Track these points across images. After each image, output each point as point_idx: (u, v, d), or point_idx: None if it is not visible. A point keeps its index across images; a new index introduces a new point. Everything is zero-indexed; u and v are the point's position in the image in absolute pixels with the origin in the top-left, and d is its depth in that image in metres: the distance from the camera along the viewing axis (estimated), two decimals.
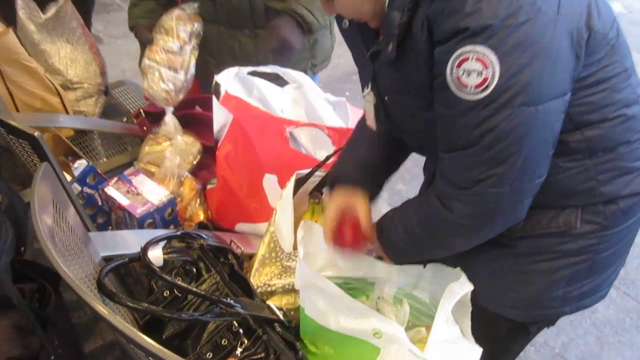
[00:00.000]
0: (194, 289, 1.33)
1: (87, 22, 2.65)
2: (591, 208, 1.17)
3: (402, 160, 1.47)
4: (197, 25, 2.03)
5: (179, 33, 1.97)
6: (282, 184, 1.77)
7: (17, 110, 2.16)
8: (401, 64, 1.09)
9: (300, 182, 1.58)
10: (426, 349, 1.24)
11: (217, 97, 1.76)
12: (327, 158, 1.57)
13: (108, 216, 1.79)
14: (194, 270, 1.44)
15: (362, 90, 1.29)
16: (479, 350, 1.30)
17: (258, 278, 1.48)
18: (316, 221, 1.53)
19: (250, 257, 1.61)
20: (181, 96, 2.04)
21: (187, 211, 1.86)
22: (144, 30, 2.05)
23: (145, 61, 2.00)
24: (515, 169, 1.03)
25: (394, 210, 1.32)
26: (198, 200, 1.89)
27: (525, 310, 1.29)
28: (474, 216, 1.11)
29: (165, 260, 1.41)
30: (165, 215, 1.67)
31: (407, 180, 3.06)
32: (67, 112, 2.26)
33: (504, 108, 0.97)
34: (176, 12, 2.01)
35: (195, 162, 2.00)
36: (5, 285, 1.33)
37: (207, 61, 2.11)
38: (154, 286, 1.43)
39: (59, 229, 1.20)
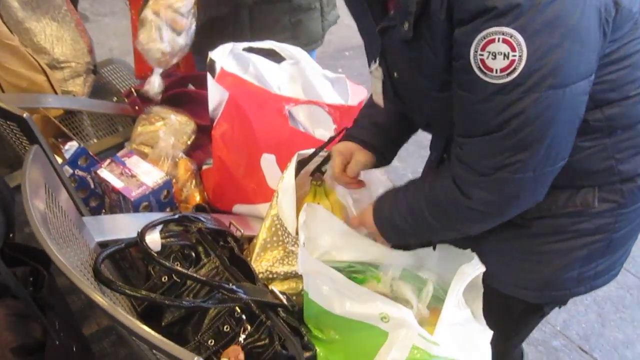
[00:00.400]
0: (195, 275, 1.29)
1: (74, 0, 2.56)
2: (609, 187, 1.14)
3: (413, 132, 1.43)
4: None
5: None
6: (280, 164, 1.72)
7: (3, 91, 2.08)
8: (416, 44, 1.03)
9: (302, 163, 1.52)
10: (436, 332, 1.21)
11: (212, 75, 1.70)
12: (331, 139, 1.52)
13: (101, 199, 1.74)
14: (193, 254, 1.39)
15: (369, 65, 1.24)
16: (489, 333, 1.27)
17: (260, 263, 1.43)
18: (318, 203, 1.48)
19: (249, 239, 1.57)
20: (175, 60, 1.94)
21: (183, 193, 1.81)
22: None
23: (148, 12, 1.86)
24: (540, 154, 0.99)
25: (396, 192, 1.28)
26: (194, 182, 1.84)
27: (540, 291, 1.25)
28: (494, 203, 1.07)
29: (162, 245, 1.37)
30: (161, 198, 1.62)
31: (403, 157, 3.00)
32: (55, 92, 2.19)
33: (531, 92, 0.93)
34: None
35: (189, 142, 1.94)
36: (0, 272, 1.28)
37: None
38: (152, 271, 1.38)
39: (52, 215, 1.15)
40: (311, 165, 1.55)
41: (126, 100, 2.17)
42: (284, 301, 1.29)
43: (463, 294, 1.26)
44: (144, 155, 1.82)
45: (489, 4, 0.89)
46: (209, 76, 1.72)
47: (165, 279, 1.36)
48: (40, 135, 1.36)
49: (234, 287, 1.23)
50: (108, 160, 1.66)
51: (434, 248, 1.37)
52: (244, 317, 1.25)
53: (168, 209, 1.66)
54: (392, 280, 1.41)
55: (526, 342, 1.71)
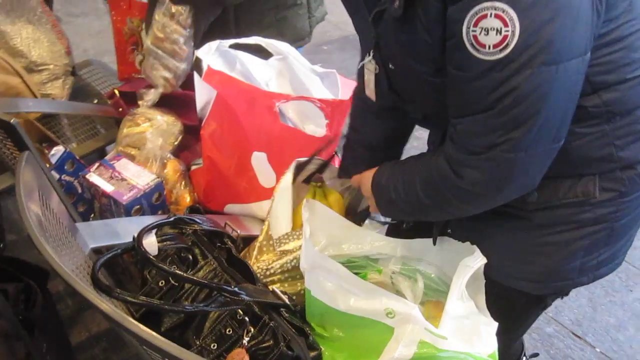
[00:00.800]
0: (196, 279, 1.27)
1: (48, 1, 2.51)
2: (609, 175, 1.13)
3: (408, 134, 1.44)
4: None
5: (186, 21, 1.85)
6: (271, 162, 1.70)
7: None
8: (410, 25, 1.02)
9: (298, 168, 1.51)
10: (441, 325, 1.20)
11: (199, 73, 1.67)
12: (328, 142, 1.51)
13: (89, 205, 1.70)
14: (190, 257, 1.36)
15: (363, 59, 1.22)
16: (494, 325, 1.26)
17: (257, 264, 1.41)
18: None
19: (244, 240, 1.54)
20: (180, 82, 1.97)
21: (173, 194, 1.78)
22: None
23: (149, 44, 1.89)
24: (532, 132, 0.97)
25: (394, 166, 1.27)
26: (183, 183, 1.81)
27: (542, 283, 1.25)
28: (485, 183, 1.05)
29: (158, 249, 1.34)
30: (153, 201, 1.59)
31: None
32: (35, 96, 2.14)
33: (524, 68, 0.92)
34: None
35: (176, 143, 1.91)
36: None
37: None
38: (147, 276, 1.35)
39: (47, 221, 1.11)
40: (304, 173, 1.55)
41: (109, 101, 2.13)
42: (286, 301, 1.27)
43: (466, 286, 1.25)
44: (131, 158, 1.78)
45: None
46: (195, 75, 1.69)
47: (162, 283, 1.32)
48: (29, 140, 1.32)
49: (236, 289, 1.20)
50: (97, 164, 1.62)
51: (434, 243, 1.36)
52: (246, 319, 1.22)
53: (160, 212, 1.62)
54: (392, 274, 1.40)
55: None
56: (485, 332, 1.26)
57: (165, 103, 2.02)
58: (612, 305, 2.43)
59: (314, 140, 1.67)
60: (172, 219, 1.39)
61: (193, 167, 1.85)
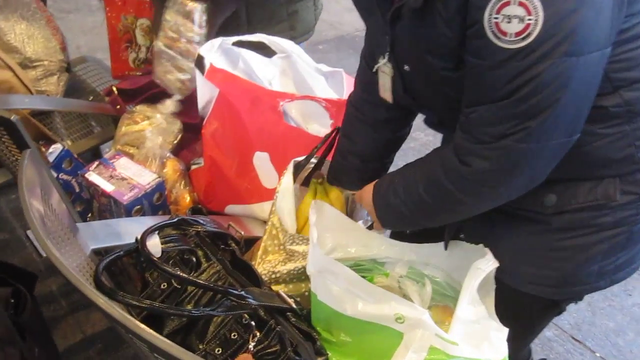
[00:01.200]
0: (202, 282, 1.23)
1: None
2: (629, 177, 1.11)
3: (401, 145, 1.44)
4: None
5: (201, 19, 1.79)
6: (274, 162, 1.67)
7: None
8: (429, 18, 1.01)
9: (297, 168, 1.49)
10: (451, 330, 1.18)
11: (202, 71, 1.63)
12: (326, 137, 1.48)
13: (87, 204, 1.66)
14: (193, 259, 1.33)
15: (376, 63, 1.21)
16: (505, 331, 1.24)
17: (262, 266, 1.38)
18: None
19: (246, 241, 1.51)
20: (193, 85, 1.87)
21: (172, 194, 1.74)
22: None
23: (160, 45, 1.82)
24: (547, 123, 0.96)
25: (393, 174, 1.25)
26: (183, 182, 1.77)
27: (559, 288, 1.23)
28: (492, 173, 1.03)
29: (162, 250, 1.30)
30: (154, 201, 1.55)
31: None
32: (30, 92, 2.09)
33: (545, 58, 0.90)
34: None
35: (176, 142, 1.87)
36: None
37: None
38: (149, 279, 1.32)
39: (49, 221, 1.08)
40: (303, 174, 1.53)
41: (106, 99, 2.09)
42: (293, 305, 1.24)
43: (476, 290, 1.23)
44: (129, 156, 1.74)
45: None
46: (197, 73, 1.66)
47: (164, 285, 1.29)
48: (29, 138, 1.28)
49: (243, 292, 1.17)
50: (96, 163, 1.58)
51: (446, 247, 1.34)
52: (252, 323, 1.19)
53: (160, 212, 1.59)
54: (400, 278, 1.38)
55: None
56: (495, 338, 1.24)
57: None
58: (611, 310, 2.42)
59: (318, 141, 1.65)
60: (175, 220, 1.36)
61: (193, 167, 1.82)
